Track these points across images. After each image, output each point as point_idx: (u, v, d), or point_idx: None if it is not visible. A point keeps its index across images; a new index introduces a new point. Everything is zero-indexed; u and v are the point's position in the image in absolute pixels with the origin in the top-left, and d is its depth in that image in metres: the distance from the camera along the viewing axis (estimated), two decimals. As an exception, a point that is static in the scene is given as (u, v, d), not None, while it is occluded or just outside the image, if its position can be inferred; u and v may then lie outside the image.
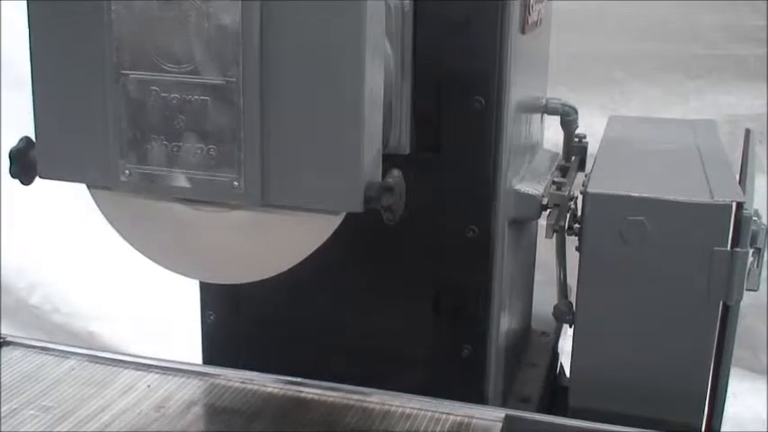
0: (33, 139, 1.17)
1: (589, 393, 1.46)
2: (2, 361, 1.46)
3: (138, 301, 3.37)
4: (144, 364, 1.46)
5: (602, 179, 1.47)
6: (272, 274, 1.18)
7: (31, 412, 1.31)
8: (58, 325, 3.53)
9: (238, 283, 1.23)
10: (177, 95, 1.06)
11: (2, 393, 1.35)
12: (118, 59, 1.08)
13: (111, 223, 1.23)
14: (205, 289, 1.60)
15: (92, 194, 1.21)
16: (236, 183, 1.07)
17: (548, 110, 1.77)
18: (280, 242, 1.15)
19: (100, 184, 1.16)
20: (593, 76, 3.02)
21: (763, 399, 2.80)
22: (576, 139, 1.83)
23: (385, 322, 1.48)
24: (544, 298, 1.84)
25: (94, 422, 1.29)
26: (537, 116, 1.73)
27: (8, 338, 1.52)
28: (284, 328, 1.55)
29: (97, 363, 1.47)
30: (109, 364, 1.46)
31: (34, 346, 1.51)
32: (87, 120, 1.12)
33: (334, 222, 1.11)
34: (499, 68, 1.34)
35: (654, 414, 1.39)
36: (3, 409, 1.30)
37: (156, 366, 1.46)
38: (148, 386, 1.40)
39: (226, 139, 1.06)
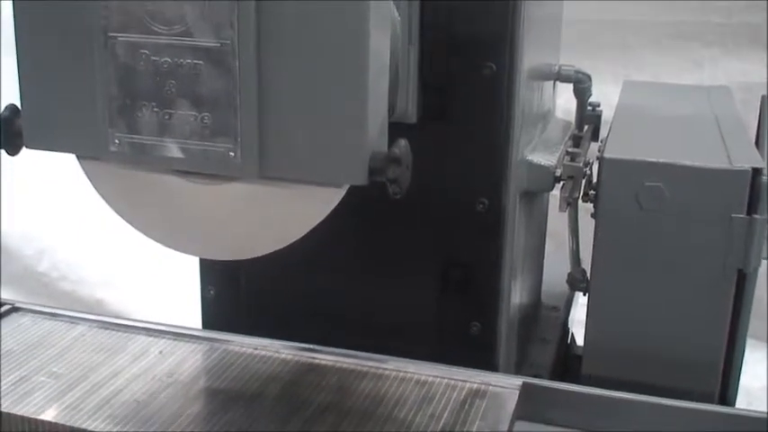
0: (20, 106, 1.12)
1: (603, 361, 1.45)
2: (12, 327, 1.45)
3: (146, 269, 3.37)
4: (155, 330, 1.44)
5: (618, 144, 1.46)
6: (271, 250, 1.12)
7: (42, 378, 1.29)
8: (66, 292, 3.56)
9: (236, 259, 1.17)
10: (168, 59, 1.01)
11: (12, 359, 1.34)
12: (106, 21, 1.02)
13: (102, 196, 1.17)
14: (205, 263, 1.56)
15: (81, 166, 1.15)
16: (232, 153, 1.02)
17: (560, 77, 1.73)
18: (279, 216, 1.09)
19: (89, 154, 1.11)
20: (606, 43, 3.00)
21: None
22: (590, 108, 1.79)
23: (390, 298, 1.44)
24: (554, 271, 1.81)
25: (106, 388, 1.27)
26: (549, 83, 1.69)
27: (17, 304, 1.52)
28: (286, 303, 1.51)
29: (107, 329, 1.45)
30: (119, 330, 1.45)
31: (44, 312, 1.50)
32: (75, 86, 1.07)
33: (336, 195, 1.05)
34: (511, 33, 1.29)
35: (668, 382, 1.38)
36: (13, 376, 1.29)
37: (168, 332, 1.44)
38: (160, 352, 1.38)
39: (221, 106, 1.00)
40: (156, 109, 1.02)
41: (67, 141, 1.11)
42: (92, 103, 1.05)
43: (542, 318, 1.82)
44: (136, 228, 1.19)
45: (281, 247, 1.11)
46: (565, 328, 1.83)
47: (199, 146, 1.03)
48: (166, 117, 1.02)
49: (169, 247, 1.18)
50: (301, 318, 1.47)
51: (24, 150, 1.15)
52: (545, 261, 1.82)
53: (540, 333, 1.75)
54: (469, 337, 1.41)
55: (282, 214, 1.09)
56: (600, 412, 1.28)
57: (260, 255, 1.13)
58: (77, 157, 1.14)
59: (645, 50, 3.04)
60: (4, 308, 1.49)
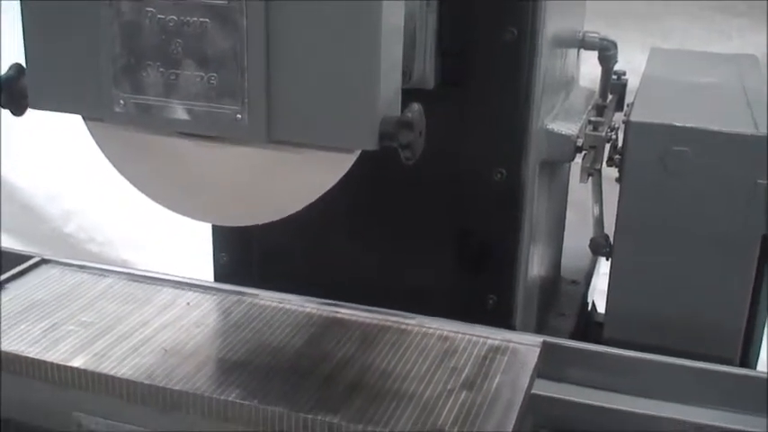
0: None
1: (624, 326, 1.47)
2: (41, 278, 1.46)
3: (173, 229, 3.37)
4: (183, 283, 1.45)
5: (645, 108, 1.46)
6: (280, 216, 1.10)
7: (71, 327, 1.31)
8: (93, 253, 3.60)
9: (245, 225, 1.15)
10: (174, 17, 0.97)
11: (42, 309, 1.36)
12: (111, -23, 0.99)
13: (108, 159, 1.14)
14: (217, 230, 1.55)
15: (87, 127, 1.12)
16: (239, 115, 0.99)
17: (585, 44, 1.69)
18: (288, 181, 1.07)
19: (93, 114, 1.08)
20: (633, 12, 2.94)
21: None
22: (615, 76, 1.74)
23: (405, 269, 1.42)
24: (574, 244, 1.77)
25: (134, 337, 1.28)
26: (573, 51, 1.65)
27: (46, 257, 1.53)
28: (298, 270, 1.49)
29: (136, 281, 1.46)
30: (147, 283, 1.46)
31: (72, 265, 1.51)
32: (79, 46, 1.04)
33: (347, 161, 1.02)
34: (534, -4, 1.25)
35: (689, 348, 1.38)
36: (43, 324, 1.31)
37: (196, 285, 1.44)
38: (188, 303, 1.39)
39: (228, 66, 0.97)
40: (161, 69, 1.00)
41: (72, 102, 1.08)
42: (96, 63, 1.03)
43: (561, 291, 1.78)
44: (144, 192, 1.16)
45: (290, 213, 1.09)
46: (584, 302, 1.79)
47: (205, 107, 1.00)
48: (172, 77, 0.99)
49: (178, 212, 1.16)
50: (315, 287, 1.45)
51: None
52: (565, 233, 1.78)
53: (558, 307, 1.72)
54: (486, 310, 1.39)
55: (291, 179, 1.06)
56: (619, 372, 1.30)
57: (268, 221, 1.10)
58: (83, 118, 1.12)
59: (673, 19, 2.99)
60: (34, 260, 1.51)
